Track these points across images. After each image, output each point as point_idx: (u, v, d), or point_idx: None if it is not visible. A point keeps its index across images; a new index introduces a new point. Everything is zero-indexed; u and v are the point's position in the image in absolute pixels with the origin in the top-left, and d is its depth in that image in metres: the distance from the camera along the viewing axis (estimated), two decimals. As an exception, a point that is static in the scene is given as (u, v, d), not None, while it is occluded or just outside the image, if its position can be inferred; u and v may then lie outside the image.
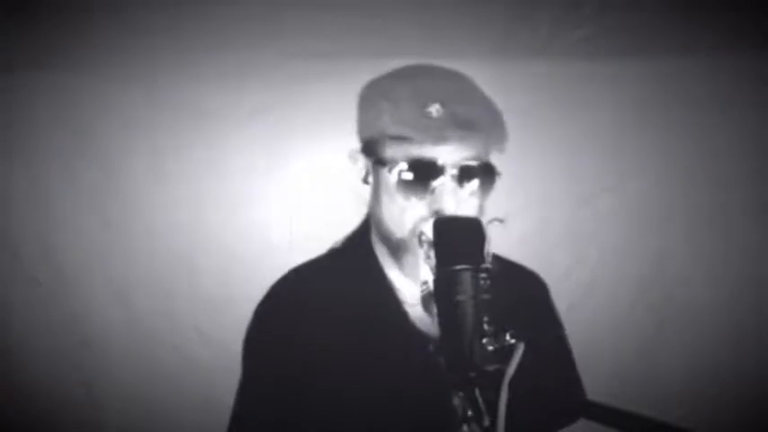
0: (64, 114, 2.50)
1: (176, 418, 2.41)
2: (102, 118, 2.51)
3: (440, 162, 1.16)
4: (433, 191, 1.16)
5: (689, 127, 2.64)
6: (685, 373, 2.59)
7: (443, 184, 1.16)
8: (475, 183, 1.18)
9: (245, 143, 2.53)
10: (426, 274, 1.08)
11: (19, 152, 2.50)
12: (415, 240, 1.16)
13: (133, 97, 2.51)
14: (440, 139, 1.15)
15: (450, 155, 1.16)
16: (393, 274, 1.28)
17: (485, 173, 1.19)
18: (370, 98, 1.25)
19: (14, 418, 2.44)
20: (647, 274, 2.64)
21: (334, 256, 1.36)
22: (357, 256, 1.31)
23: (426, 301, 1.07)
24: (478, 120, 1.17)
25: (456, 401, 1.17)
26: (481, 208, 1.20)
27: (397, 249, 1.22)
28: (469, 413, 1.12)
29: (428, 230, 1.09)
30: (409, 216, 1.18)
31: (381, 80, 1.27)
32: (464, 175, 1.17)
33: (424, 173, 1.16)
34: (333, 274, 1.32)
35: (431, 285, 1.05)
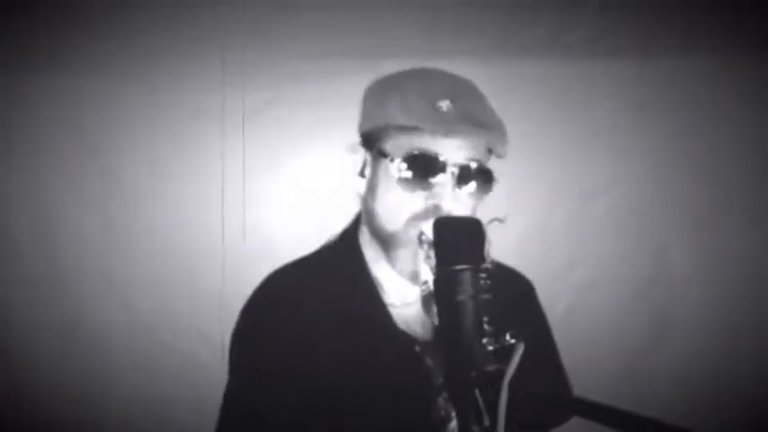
0: (64, 114, 2.50)
1: (176, 418, 2.41)
2: (102, 118, 2.51)
3: (443, 158, 1.17)
4: (432, 187, 1.17)
5: (689, 127, 2.64)
6: (685, 373, 2.59)
7: (444, 180, 1.17)
8: (473, 185, 1.19)
9: (245, 143, 2.54)
10: (426, 273, 1.07)
11: (19, 152, 2.50)
12: (409, 234, 1.17)
13: (133, 97, 2.51)
14: (449, 131, 1.15)
15: (454, 152, 1.17)
16: (381, 272, 1.27)
17: (484, 176, 1.20)
18: (378, 91, 1.26)
19: (14, 418, 2.44)
20: (646, 274, 2.64)
21: (322, 253, 1.36)
22: (343, 255, 1.31)
23: (426, 300, 1.07)
24: (485, 120, 1.19)
25: (441, 402, 1.18)
26: (475, 211, 1.20)
27: (389, 243, 1.21)
28: (453, 414, 1.14)
29: (428, 230, 1.09)
30: (405, 209, 1.19)
31: (391, 76, 1.28)
32: (464, 175, 1.18)
33: (427, 167, 1.17)
34: (319, 273, 1.31)
35: (431, 285, 1.05)
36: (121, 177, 2.52)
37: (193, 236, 2.52)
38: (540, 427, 1.24)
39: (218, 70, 2.52)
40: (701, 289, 2.64)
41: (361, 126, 1.28)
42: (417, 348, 1.24)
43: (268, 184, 2.55)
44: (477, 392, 0.94)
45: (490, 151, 1.23)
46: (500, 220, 1.11)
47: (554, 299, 2.58)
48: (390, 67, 1.30)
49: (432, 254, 1.06)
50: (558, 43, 2.60)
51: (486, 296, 0.99)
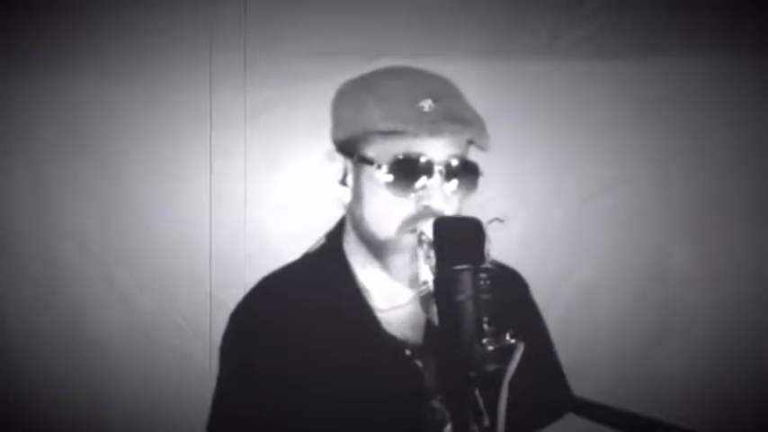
0: (64, 114, 2.50)
1: (176, 418, 2.41)
2: (102, 118, 2.51)
3: (428, 158, 1.15)
4: (421, 189, 1.15)
5: (689, 127, 2.64)
6: (685, 372, 2.59)
7: (431, 181, 1.15)
8: (460, 180, 1.18)
9: (245, 143, 2.54)
10: (426, 274, 1.07)
11: (19, 152, 2.50)
12: (403, 239, 1.15)
13: (133, 97, 2.51)
14: (435, 131, 1.13)
15: (438, 151, 1.15)
16: (368, 277, 1.26)
17: (469, 170, 1.19)
18: (352, 95, 1.23)
19: (14, 418, 2.44)
20: (647, 274, 2.64)
21: (309, 258, 1.34)
22: (328, 260, 1.29)
23: (425, 301, 1.07)
24: (466, 115, 1.18)
25: (435, 405, 1.18)
26: (461, 207, 1.19)
27: (382, 250, 1.19)
28: (449, 416, 1.14)
29: (428, 230, 1.09)
30: (396, 214, 1.16)
31: (362, 78, 1.25)
32: (450, 172, 1.16)
33: (414, 170, 1.14)
34: (305, 278, 1.30)
35: (431, 285, 1.05)
36: (121, 177, 2.52)
37: (193, 236, 2.52)
38: (538, 424, 1.24)
39: (219, 70, 2.52)
40: (700, 289, 2.64)
41: (335, 133, 1.26)
42: (408, 352, 1.23)
43: (267, 184, 2.55)
44: (477, 392, 0.94)
45: (469, 143, 1.21)
46: (500, 220, 1.11)
47: (554, 299, 2.59)
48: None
49: (432, 254, 1.06)
50: (558, 43, 2.60)
51: (486, 296, 0.98)
